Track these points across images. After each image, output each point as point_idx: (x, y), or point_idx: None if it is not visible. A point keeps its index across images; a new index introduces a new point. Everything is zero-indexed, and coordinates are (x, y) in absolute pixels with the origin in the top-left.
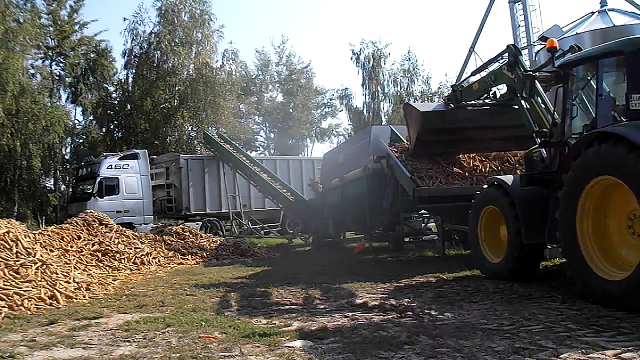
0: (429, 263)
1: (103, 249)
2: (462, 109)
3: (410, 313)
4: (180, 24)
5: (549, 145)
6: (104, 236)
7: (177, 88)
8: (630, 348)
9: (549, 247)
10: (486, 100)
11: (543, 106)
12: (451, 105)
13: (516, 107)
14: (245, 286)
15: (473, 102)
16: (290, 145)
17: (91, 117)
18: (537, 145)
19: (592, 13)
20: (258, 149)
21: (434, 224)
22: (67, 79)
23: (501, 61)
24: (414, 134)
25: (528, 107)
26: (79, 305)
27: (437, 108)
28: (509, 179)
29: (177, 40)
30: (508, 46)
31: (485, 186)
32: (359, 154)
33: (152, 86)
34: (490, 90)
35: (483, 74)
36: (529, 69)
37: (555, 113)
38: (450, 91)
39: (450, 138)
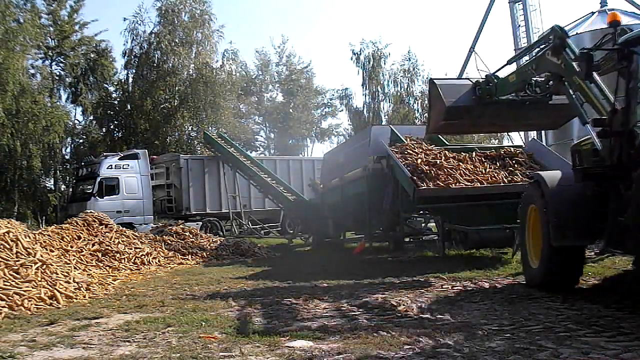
0: (429, 263)
1: (103, 249)
2: (491, 104)
3: (410, 313)
4: (180, 24)
5: (610, 135)
6: (104, 236)
7: (177, 88)
8: (630, 348)
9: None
10: (522, 94)
11: (598, 92)
12: (480, 98)
13: (550, 102)
14: (246, 286)
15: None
16: (290, 145)
17: (91, 117)
18: (587, 137)
19: (592, 13)
20: (258, 149)
21: (434, 224)
22: (67, 79)
23: (543, 47)
24: (435, 121)
25: (574, 94)
26: (79, 305)
27: (464, 102)
28: (550, 174)
29: (177, 41)
30: (553, 28)
31: (529, 183)
32: (359, 154)
33: (152, 86)
34: (530, 81)
35: (521, 64)
36: (585, 48)
37: (615, 99)
38: (482, 78)
39: (470, 127)
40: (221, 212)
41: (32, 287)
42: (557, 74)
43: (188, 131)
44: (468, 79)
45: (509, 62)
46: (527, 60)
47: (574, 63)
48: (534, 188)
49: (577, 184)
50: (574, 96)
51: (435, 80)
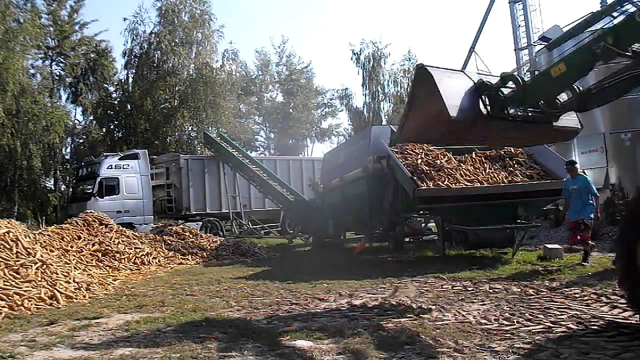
0: (429, 263)
1: (103, 249)
2: (499, 120)
3: (410, 313)
4: (180, 24)
5: None
6: (104, 236)
7: (177, 88)
8: (630, 348)
9: None
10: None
11: None
12: (487, 108)
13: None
14: (245, 286)
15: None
16: (290, 145)
17: (91, 117)
18: None
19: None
20: (258, 149)
21: (434, 224)
22: (67, 79)
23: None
24: (422, 129)
25: None
26: (79, 305)
27: (470, 113)
28: None
29: (177, 41)
30: None
31: None
32: (359, 154)
33: (152, 86)
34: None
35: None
36: None
37: None
38: (486, 75)
39: (456, 141)
40: (221, 212)
41: (32, 287)
42: None
43: (188, 131)
44: (464, 73)
45: (549, 47)
46: (597, 34)
47: None
48: None
49: None
50: None
51: (430, 70)
